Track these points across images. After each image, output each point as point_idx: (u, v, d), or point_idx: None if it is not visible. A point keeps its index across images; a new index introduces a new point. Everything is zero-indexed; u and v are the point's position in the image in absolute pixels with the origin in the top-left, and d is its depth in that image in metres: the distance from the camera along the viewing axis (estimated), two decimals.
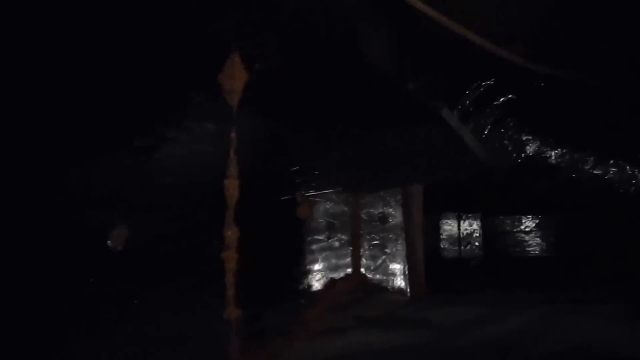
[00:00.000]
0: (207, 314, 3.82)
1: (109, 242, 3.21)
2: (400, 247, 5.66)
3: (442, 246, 7.19)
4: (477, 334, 4.49)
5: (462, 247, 7.37)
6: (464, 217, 7.47)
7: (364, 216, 5.72)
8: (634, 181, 4.57)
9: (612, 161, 4.62)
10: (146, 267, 3.46)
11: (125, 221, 3.33)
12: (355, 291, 5.42)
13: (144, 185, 3.53)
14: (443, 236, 7.26)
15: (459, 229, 7.39)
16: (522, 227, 7.56)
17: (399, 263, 5.64)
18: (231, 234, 3.84)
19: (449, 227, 7.38)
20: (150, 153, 3.56)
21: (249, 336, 4.02)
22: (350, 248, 5.60)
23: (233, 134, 3.78)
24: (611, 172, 4.65)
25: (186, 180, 3.74)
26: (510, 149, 4.87)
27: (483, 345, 4.32)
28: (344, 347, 4.28)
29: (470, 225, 7.42)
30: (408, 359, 4.11)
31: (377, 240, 5.73)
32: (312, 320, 4.64)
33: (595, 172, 4.68)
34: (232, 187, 3.83)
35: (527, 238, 7.53)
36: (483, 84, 4.92)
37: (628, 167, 4.61)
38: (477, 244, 7.38)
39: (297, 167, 4.73)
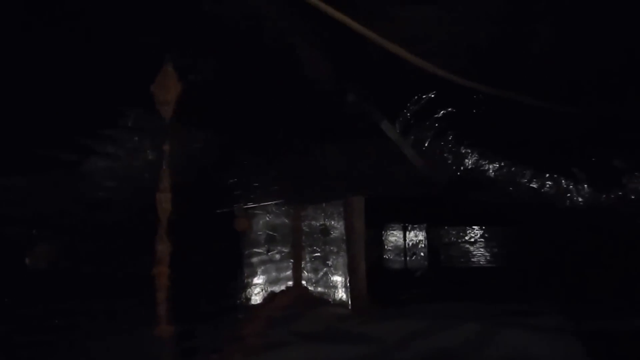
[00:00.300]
0: (138, 334, 3.68)
1: (27, 260, 3.05)
2: (341, 260, 5.62)
3: (387, 257, 7.18)
4: (415, 348, 4.46)
5: (408, 258, 7.38)
6: (409, 227, 7.48)
7: (305, 228, 5.66)
8: (568, 195, 4.64)
9: (547, 175, 4.68)
10: (71, 286, 3.31)
11: (48, 239, 3.18)
12: (296, 304, 5.34)
13: (70, 200, 3.38)
14: (388, 247, 7.25)
15: (404, 239, 7.40)
16: (467, 237, 7.61)
17: (340, 275, 5.60)
18: (163, 248, 3.72)
19: (395, 238, 7.37)
20: (77, 167, 3.42)
21: (181, 354, 3.90)
22: (291, 261, 5.53)
23: (166, 147, 3.67)
24: (547, 186, 4.71)
25: (116, 195, 3.62)
26: (449, 161, 4.89)
27: (423, 358, 4.31)
28: None
29: (416, 236, 7.44)
30: None
31: (318, 252, 5.67)
32: (250, 336, 4.54)
33: (532, 185, 4.74)
34: (164, 200, 3.71)
35: (471, 249, 7.59)
36: (424, 97, 4.93)
37: (563, 181, 4.68)
38: (422, 254, 7.40)
39: (235, 180, 4.65)
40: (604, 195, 4.55)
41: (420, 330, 4.74)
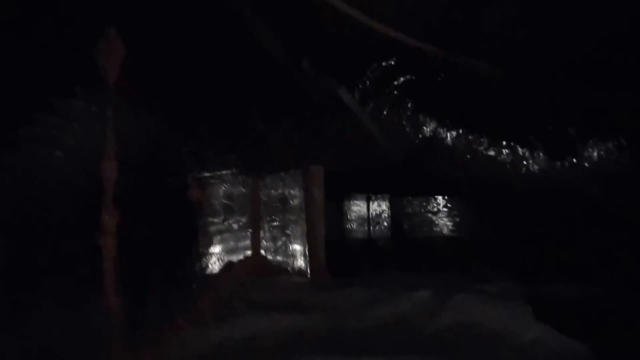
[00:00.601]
0: (87, 308, 3.59)
1: None
2: (300, 229, 5.58)
3: (350, 227, 7.14)
4: (372, 315, 4.47)
5: (371, 228, 7.36)
6: (372, 198, 7.45)
7: (263, 198, 5.60)
8: (524, 162, 4.66)
9: (504, 143, 4.68)
10: (18, 266, 3.19)
11: None
12: (254, 274, 5.30)
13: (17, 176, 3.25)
14: (351, 218, 7.21)
15: (367, 210, 7.36)
16: (430, 207, 7.60)
17: (299, 244, 5.57)
18: (109, 218, 3.63)
19: (358, 208, 7.32)
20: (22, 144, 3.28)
21: (132, 325, 3.83)
22: (250, 230, 5.47)
23: (110, 113, 3.55)
24: (504, 154, 4.72)
25: (62, 166, 3.49)
26: (408, 130, 4.87)
27: (377, 326, 4.31)
28: (235, 332, 4.16)
29: (379, 206, 7.40)
30: (300, 343, 4.02)
31: (277, 222, 5.62)
32: (204, 306, 4.49)
33: (489, 153, 4.74)
34: (109, 169, 3.61)
35: (434, 219, 7.59)
36: (383, 64, 4.88)
37: (519, 149, 4.69)
38: (385, 224, 7.38)
39: (187, 149, 4.55)
40: (559, 163, 4.58)
41: (376, 298, 4.74)
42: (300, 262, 5.59)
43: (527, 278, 4.74)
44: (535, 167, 4.55)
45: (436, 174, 5.89)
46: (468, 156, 4.74)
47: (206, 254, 5.09)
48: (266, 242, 5.61)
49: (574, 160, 4.50)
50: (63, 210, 3.42)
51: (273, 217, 5.63)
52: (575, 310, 4.24)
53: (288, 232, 5.64)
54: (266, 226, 5.62)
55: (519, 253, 5.45)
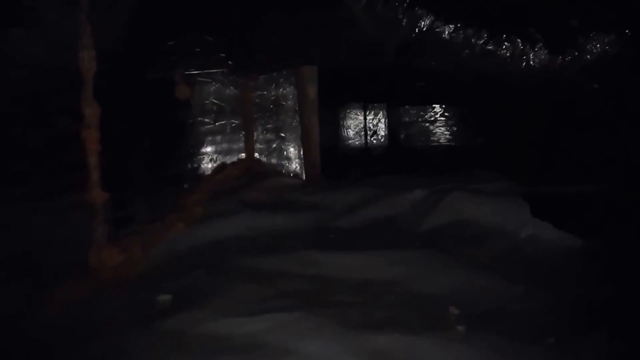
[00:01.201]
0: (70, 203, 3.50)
1: None
2: (295, 131, 5.47)
3: (346, 135, 7.04)
4: (361, 215, 4.43)
5: (368, 137, 7.26)
6: (369, 107, 7.30)
7: (256, 99, 5.44)
8: (524, 57, 4.47)
9: (504, 36, 4.48)
10: None
11: None
12: (247, 175, 5.22)
13: None
14: (348, 126, 7.09)
15: (364, 118, 7.24)
16: (427, 116, 7.47)
17: (293, 146, 5.48)
18: (90, 111, 3.49)
19: (355, 116, 7.20)
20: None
21: (119, 222, 3.78)
22: (243, 132, 5.34)
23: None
24: (503, 48, 4.52)
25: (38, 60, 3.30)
26: (404, 23, 4.64)
27: (369, 225, 4.27)
28: (226, 230, 4.12)
29: (376, 115, 7.27)
30: (293, 240, 3.98)
31: (271, 123, 5.50)
32: (196, 205, 4.43)
33: (489, 47, 4.54)
34: (87, 59, 3.44)
35: (431, 128, 7.47)
36: None
37: (520, 43, 4.49)
38: (382, 133, 7.27)
39: (173, 43, 4.34)
40: (560, 57, 4.39)
41: (369, 199, 4.69)
42: (295, 165, 5.52)
43: (525, 179, 4.64)
44: (536, 60, 4.36)
45: (438, 79, 5.70)
46: (466, 51, 4.53)
47: (197, 154, 4.98)
48: (260, 144, 5.50)
49: (575, 53, 4.30)
50: (41, 101, 3.27)
51: (267, 119, 5.49)
52: (571, 207, 4.18)
53: (282, 134, 5.52)
54: (260, 128, 5.49)
55: (517, 156, 5.35)
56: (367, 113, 7.21)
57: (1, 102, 3.04)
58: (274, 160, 5.54)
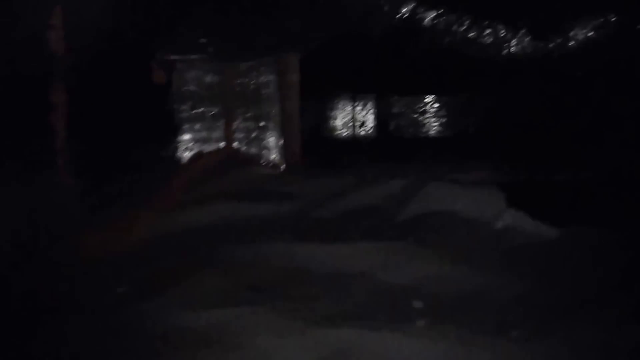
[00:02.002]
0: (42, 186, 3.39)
1: None
2: (275, 119, 5.36)
3: (333, 125, 6.95)
4: (343, 205, 4.34)
5: (356, 127, 7.18)
6: (357, 97, 7.23)
7: (237, 87, 5.33)
8: (506, 44, 4.38)
9: (487, 22, 4.38)
10: None
11: None
12: (226, 164, 5.12)
13: None
14: (336, 116, 7.00)
15: (353, 108, 7.16)
16: (416, 107, 7.39)
17: (273, 136, 5.37)
18: (59, 94, 3.38)
19: (343, 106, 7.12)
20: None
21: (90, 209, 3.68)
22: (222, 120, 5.24)
23: None
24: (485, 35, 4.43)
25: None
26: (385, 9, 4.54)
27: (349, 215, 4.19)
28: (201, 219, 4.03)
29: (365, 105, 7.19)
30: (273, 230, 3.90)
31: (251, 112, 5.39)
32: (171, 193, 4.33)
33: (470, 34, 4.44)
34: (56, 39, 3.32)
35: (421, 118, 7.40)
36: None
37: (502, 30, 4.39)
38: (370, 124, 7.20)
39: (152, 27, 4.21)
40: (543, 44, 4.30)
41: (348, 188, 4.61)
42: (274, 154, 5.42)
43: (504, 169, 4.56)
44: (520, 47, 4.26)
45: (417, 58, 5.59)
46: (447, 38, 4.43)
47: (173, 141, 4.87)
48: (239, 132, 5.40)
49: (559, 39, 4.20)
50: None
51: (247, 107, 5.39)
52: (547, 196, 4.10)
53: (262, 123, 5.42)
54: (240, 117, 5.39)
55: (503, 149, 5.27)
56: (356, 103, 7.13)
57: None
58: (253, 150, 5.45)
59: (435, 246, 3.42)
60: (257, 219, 4.11)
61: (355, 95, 7.15)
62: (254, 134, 5.39)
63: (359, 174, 5.07)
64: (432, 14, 4.42)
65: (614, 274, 2.84)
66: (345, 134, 7.03)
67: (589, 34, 4.07)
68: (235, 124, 5.32)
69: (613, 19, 3.96)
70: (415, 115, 7.37)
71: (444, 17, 4.41)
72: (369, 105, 7.16)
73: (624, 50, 4.03)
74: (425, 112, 7.34)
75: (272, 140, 5.39)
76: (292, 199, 4.49)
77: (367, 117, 7.17)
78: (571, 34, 4.15)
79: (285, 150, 5.32)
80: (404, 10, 4.46)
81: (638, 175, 3.94)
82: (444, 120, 7.24)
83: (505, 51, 4.30)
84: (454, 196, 4.05)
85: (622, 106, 4.25)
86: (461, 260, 3.13)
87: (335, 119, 6.97)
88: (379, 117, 7.20)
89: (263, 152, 5.40)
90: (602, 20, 4.01)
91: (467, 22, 4.33)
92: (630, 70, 4.04)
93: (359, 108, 7.14)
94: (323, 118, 6.87)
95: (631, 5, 3.89)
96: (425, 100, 7.24)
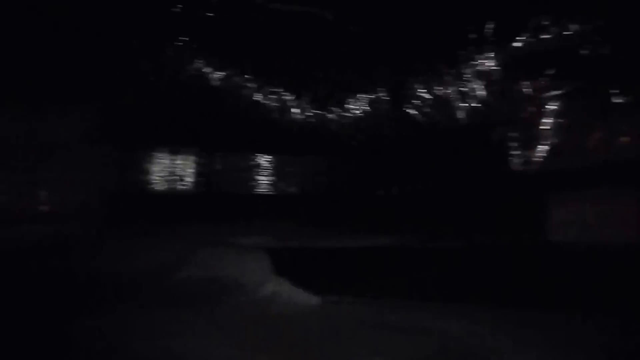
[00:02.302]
0: None
1: None
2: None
3: (152, 180, 6.63)
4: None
5: (175, 182, 6.91)
6: (179, 151, 6.99)
7: None
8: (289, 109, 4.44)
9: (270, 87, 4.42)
10: None
11: None
12: None
13: None
14: (150, 169, 6.68)
15: (173, 163, 6.89)
16: (243, 164, 7.28)
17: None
18: None
19: (163, 161, 6.83)
20: None
21: None
22: None
23: None
24: (271, 99, 4.46)
25: None
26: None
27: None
28: None
29: (185, 160, 6.95)
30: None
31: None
32: None
33: (255, 98, 4.47)
34: None
35: (244, 175, 7.29)
36: None
37: (288, 95, 4.45)
38: (190, 179, 6.96)
39: None
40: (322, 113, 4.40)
41: (128, 248, 4.37)
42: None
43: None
44: (302, 114, 4.33)
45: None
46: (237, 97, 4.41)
47: None
48: None
49: (341, 112, 4.33)
50: None
51: None
52: (315, 262, 4.14)
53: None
54: None
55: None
56: (176, 158, 6.88)
57: None
58: None
59: (196, 313, 3.25)
60: None
61: (176, 149, 6.91)
62: None
63: (152, 231, 4.85)
64: (221, 74, 4.37)
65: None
66: (163, 188, 6.72)
67: (365, 108, 4.22)
68: None
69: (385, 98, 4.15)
70: (242, 172, 7.25)
71: (232, 78, 4.38)
72: (190, 160, 6.95)
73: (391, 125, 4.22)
74: (251, 169, 7.26)
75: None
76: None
77: (187, 172, 6.93)
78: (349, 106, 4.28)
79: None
80: (190, 67, 4.39)
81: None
82: (272, 178, 7.18)
83: (287, 115, 4.34)
84: (223, 261, 4.00)
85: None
86: (220, 330, 2.99)
87: (149, 172, 6.64)
88: (201, 172, 7.00)
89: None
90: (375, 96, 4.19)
91: (250, 85, 4.33)
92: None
93: (179, 162, 6.89)
94: (135, 170, 6.54)
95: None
96: (254, 157, 7.15)
